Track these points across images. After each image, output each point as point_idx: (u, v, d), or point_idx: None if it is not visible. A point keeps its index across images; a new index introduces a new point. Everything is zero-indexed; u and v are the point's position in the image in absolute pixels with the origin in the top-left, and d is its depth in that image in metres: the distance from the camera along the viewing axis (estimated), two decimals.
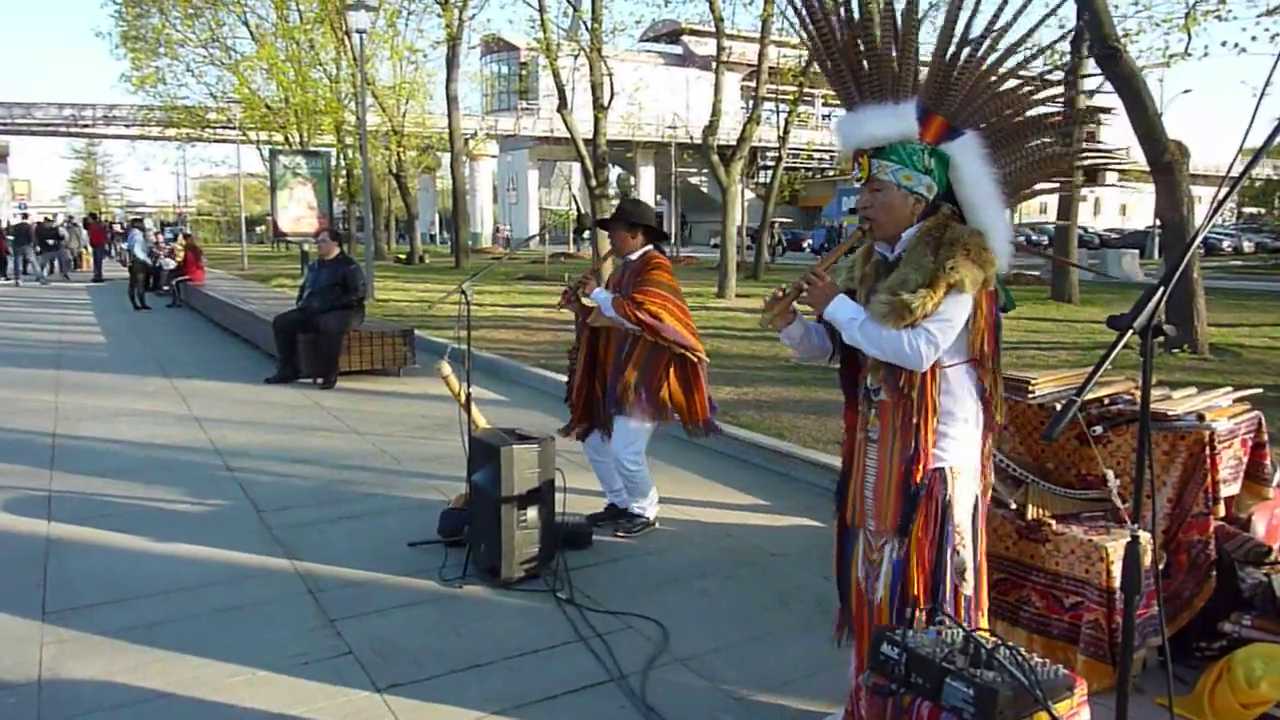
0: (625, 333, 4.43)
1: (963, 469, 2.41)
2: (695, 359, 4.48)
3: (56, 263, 25.08)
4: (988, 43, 2.38)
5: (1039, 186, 2.58)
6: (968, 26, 2.39)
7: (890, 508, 2.43)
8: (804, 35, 2.53)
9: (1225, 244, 38.72)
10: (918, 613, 2.34)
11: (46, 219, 28.01)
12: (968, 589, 2.42)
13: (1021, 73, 2.46)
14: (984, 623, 2.47)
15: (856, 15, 2.41)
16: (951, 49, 2.37)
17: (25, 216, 27.05)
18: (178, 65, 31.02)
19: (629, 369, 4.41)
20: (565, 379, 4.81)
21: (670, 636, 3.46)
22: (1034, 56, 2.44)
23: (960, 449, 2.41)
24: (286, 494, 5.29)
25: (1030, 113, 2.48)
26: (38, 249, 24.14)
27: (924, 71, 2.43)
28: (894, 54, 2.39)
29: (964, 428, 2.41)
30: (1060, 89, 2.64)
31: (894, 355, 2.32)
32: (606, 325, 4.47)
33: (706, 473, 5.71)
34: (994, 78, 2.41)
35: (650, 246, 4.55)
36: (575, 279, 4.57)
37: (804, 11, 2.46)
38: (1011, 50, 2.41)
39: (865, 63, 2.43)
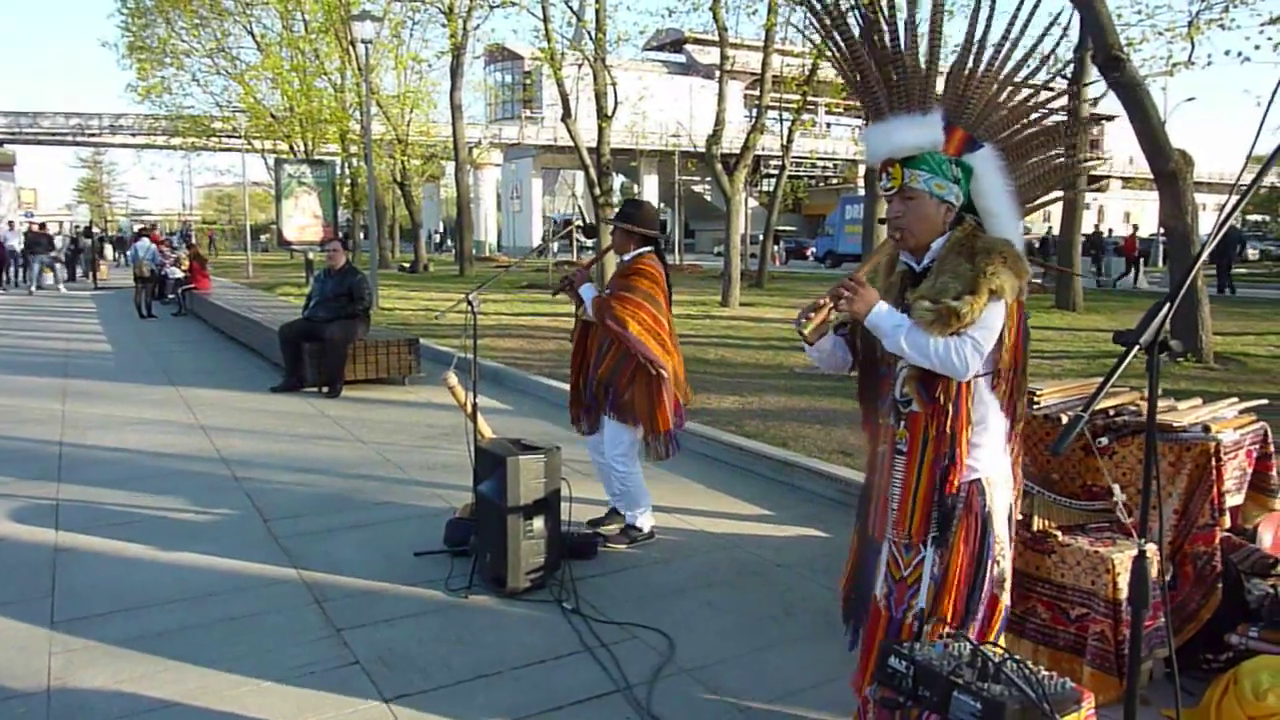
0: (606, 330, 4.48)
1: (997, 479, 2.42)
2: (654, 372, 4.37)
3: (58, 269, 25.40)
4: (1002, 53, 2.41)
5: (1048, 197, 2.60)
6: (983, 37, 2.41)
7: (918, 517, 2.42)
8: (830, 48, 2.54)
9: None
10: (940, 628, 2.34)
11: (38, 226, 28.12)
12: (1006, 598, 2.45)
13: (1030, 83, 2.49)
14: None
15: (885, 28, 2.41)
16: (969, 61, 2.41)
17: (43, 227, 27.30)
18: (183, 75, 31.03)
19: (602, 367, 4.46)
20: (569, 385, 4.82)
21: (676, 647, 3.46)
22: (1040, 66, 2.47)
23: (992, 459, 2.41)
24: (292, 503, 5.30)
25: (1040, 124, 2.50)
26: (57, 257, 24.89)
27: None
28: (922, 64, 2.41)
29: (992, 438, 2.41)
30: (1065, 97, 2.66)
31: (942, 363, 2.29)
32: (594, 320, 4.50)
33: (711, 482, 5.71)
34: (1008, 89, 2.44)
35: (647, 248, 4.50)
36: (572, 269, 4.59)
37: (828, 23, 2.48)
38: (1021, 62, 2.44)
39: (894, 73, 2.43)
